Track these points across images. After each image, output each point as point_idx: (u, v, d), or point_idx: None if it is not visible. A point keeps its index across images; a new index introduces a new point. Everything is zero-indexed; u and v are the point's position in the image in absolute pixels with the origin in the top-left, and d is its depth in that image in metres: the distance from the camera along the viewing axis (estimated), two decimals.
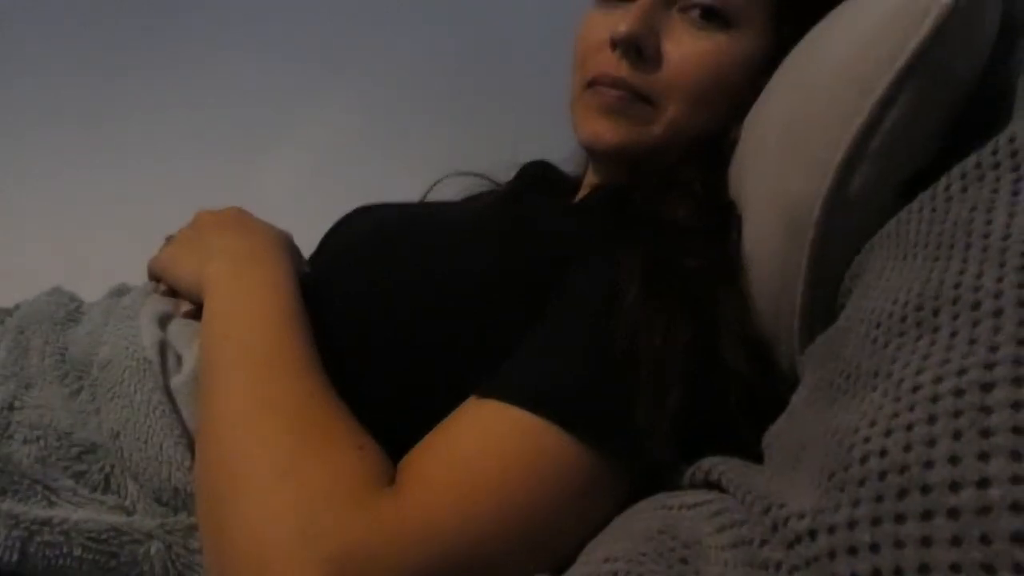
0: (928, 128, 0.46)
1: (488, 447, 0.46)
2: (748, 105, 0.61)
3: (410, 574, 0.42)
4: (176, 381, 0.57)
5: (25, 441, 0.52)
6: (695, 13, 0.63)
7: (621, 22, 0.63)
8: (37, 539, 0.46)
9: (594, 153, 0.69)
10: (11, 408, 0.54)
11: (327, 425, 0.48)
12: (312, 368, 0.52)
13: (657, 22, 0.63)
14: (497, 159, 0.88)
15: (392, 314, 0.57)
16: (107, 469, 0.54)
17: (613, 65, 0.64)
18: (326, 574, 0.41)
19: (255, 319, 0.54)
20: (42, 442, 0.52)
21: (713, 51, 0.63)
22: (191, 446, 0.54)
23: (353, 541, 0.42)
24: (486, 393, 0.49)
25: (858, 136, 0.45)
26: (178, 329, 0.61)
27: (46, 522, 0.47)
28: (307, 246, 0.91)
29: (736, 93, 0.63)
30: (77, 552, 0.47)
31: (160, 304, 0.63)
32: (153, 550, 0.49)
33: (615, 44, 0.63)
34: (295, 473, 0.44)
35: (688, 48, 0.63)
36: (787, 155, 0.50)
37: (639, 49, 0.63)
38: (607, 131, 0.65)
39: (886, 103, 0.44)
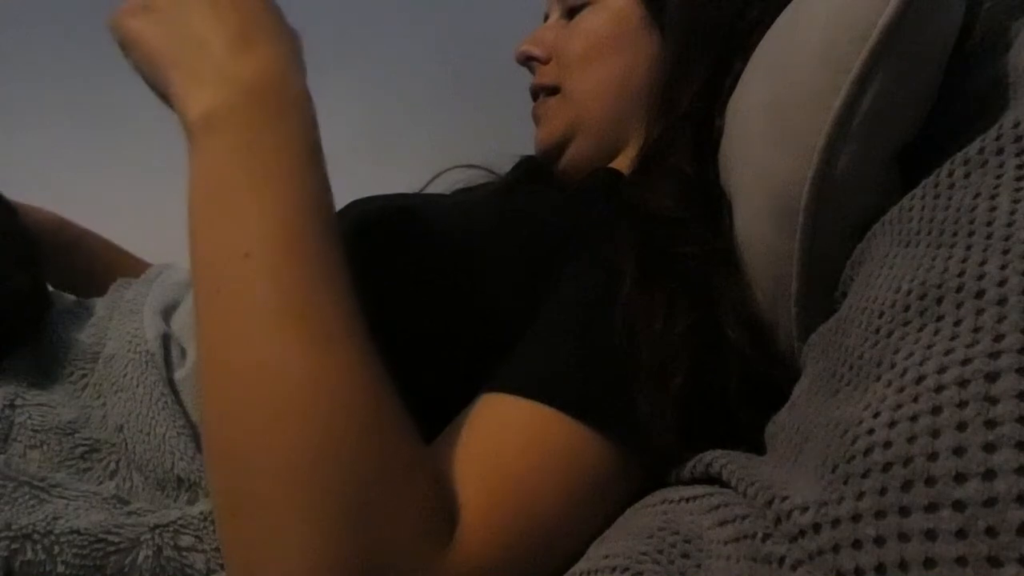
0: (908, 101, 0.46)
1: (531, 452, 0.45)
2: (656, 56, 0.67)
3: None
4: (180, 374, 0.57)
5: (28, 446, 0.52)
6: (567, 14, 0.74)
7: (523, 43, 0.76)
8: (19, 558, 0.44)
9: (546, 162, 0.76)
10: (12, 407, 0.53)
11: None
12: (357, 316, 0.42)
13: (550, 36, 0.74)
14: (495, 160, 0.88)
15: (390, 304, 0.57)
16: (112, 465, 0.54)
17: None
18: None
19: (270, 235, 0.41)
20: (44, 446, 0.52)
21: (583, 25, 0.72)
22: (195, 437, 0.54)
23: None
24: (506, 389, 0.47)
25: (838, 117, 0.45)
26: (182, 321, 0.61)
27: (28, 536, 0.45)
28: None
29: (627, 46, 0.69)
30: (60, 570, 0.45)
31: (164, 296, 0.63)
32: (140, 558, 0.48)
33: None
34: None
35: (565, 36, 0.73)
36: (770, 140, 0.50)
37: (535, 58, 0.75)
38: (537, 138, 0.75)
39: (863, 81, 0.44)
